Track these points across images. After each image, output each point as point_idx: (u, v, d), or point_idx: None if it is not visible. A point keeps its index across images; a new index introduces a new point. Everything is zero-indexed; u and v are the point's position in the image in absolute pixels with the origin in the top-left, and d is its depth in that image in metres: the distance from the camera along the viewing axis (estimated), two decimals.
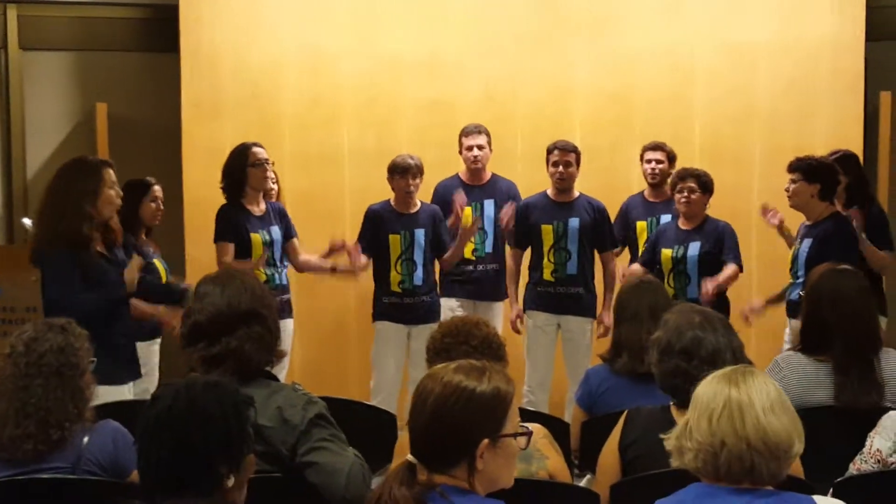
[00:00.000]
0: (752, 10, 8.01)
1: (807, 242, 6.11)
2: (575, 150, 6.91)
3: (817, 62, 7.93)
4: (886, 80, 8.08)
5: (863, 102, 7.89)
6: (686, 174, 6.68)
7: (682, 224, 6.72)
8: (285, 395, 3.36)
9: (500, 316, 7.05)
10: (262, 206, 6.46)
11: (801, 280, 6.04)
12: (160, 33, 8.23)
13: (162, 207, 6.38)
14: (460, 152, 7.06)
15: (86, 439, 3.52)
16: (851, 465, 3.66)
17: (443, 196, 7.05)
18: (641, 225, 7.11)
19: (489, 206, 6.99)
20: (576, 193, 6.99)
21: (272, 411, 3.30)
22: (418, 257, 6.77)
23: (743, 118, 7.99)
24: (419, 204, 6.90)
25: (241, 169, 6.32)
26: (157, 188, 6.38)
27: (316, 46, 7.98)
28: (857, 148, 7.72)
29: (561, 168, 6.86)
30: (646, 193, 7.19)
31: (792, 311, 6.15)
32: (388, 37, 8.00)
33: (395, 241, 6.77)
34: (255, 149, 6.38)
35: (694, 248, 6.60)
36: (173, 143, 7.73)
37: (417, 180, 6.80)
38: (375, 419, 4.48)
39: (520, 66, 8.01)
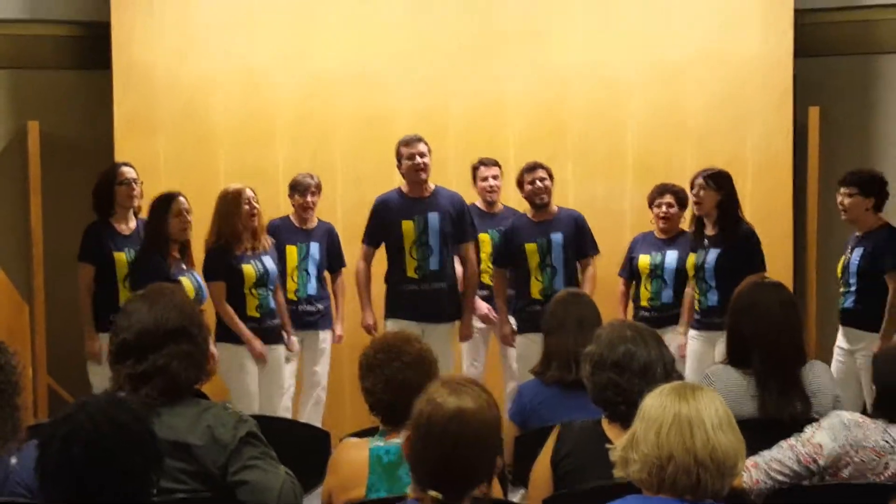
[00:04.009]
0: (680, 26, 8.06)
1: (858, 252, 6.51)
2: (497, 164, 7.41)
3: (747, 78, 7.97)
4: (815, 95, 8.15)
5: (792, 118, 7.95)
6: (665, 190, 7.13)
7: (659, 234, 7.15)
8: (215, 414, 3.32)
9: (448, 339, 6.99)
10: (132, 224, 6.71)
11: (853, 288, 6.52)
12: (92, 50, 8.12)
13: (189, 219, 6.42)
14: (399, 164, 6.93)
15: (13, 460, 3.42)
16: (783, 442, 3.67)
17: (382, 211, 6.98)
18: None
19: (433, 218, 6.92)
20: (500, 206, 7.47)
21: (202, 430, 3.25)
22: (311, 269, 7.07)
23: (674, 133, 8.02)
24: (316, 220, 7.21)
25: (109, 187, 6.63)
26: (182, 199, 6.42)
27: (249, 62, 7.93)
28: (786, 162, 7.93)
29: (489, 181, 7.37)
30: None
31: (844, 319, 6.58)
32: (321, 52, 7.98)
33: (291, 251, 7.04)
34: (123, 168, 6.73)
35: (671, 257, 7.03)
36: (106, 161, 7.55)
37: (316, 197, 7.14)
38: (307, 437, 4.48)
39: (453, 79, 8.02)
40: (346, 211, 7.80)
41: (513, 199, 7.49)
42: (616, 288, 7.32)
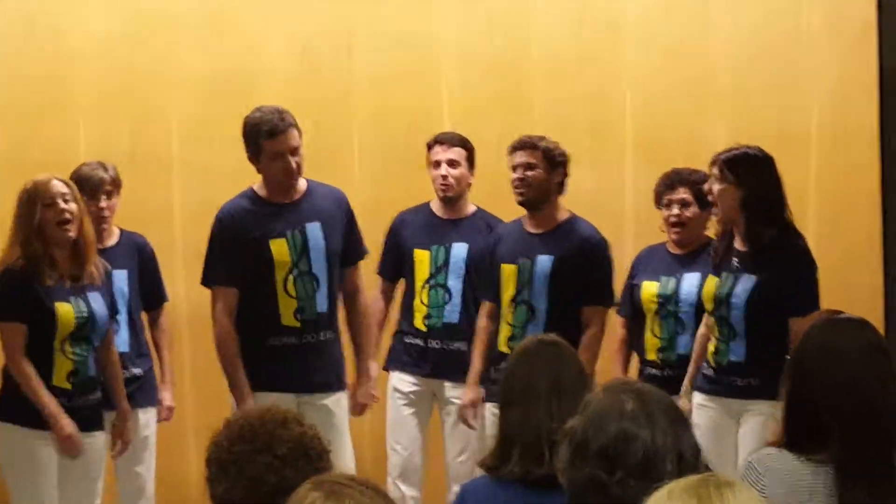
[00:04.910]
0: None
1: None
2: (461, 144, 7.37)
3: (803, 7, 8.11)
4: None
5: (877, 67, 8.08)
6: (677, 180, 7.10)
7: (672, 248, 7.16)
8: None
9: (345, 416, 7.00)
10: None
11: None
12: None
13: None
14: (255, 160, 6.84)
15: None
16: None
17: (232, 227, 6.88)
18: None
19: (314, 230, 6.86)
20: (471, 208, 7.47)
21: None
22: (119, 310, 6.94)
23: (695, 95, 8.13)
24: (117, 234, 7.10)
25: None
26: None
27: None
28: (869, 134, 8.11)
29: (443, 168, 7.32)
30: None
31: None
32: None
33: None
34: None
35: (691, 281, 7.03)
36: None
37: (114, 200, 7.01)
38: None
39: (356, 20, 8.08)
40: (187, 218, 7.89)
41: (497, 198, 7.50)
42: (614, 331, 7.30)
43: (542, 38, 8.15)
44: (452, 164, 7.33)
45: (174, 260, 7.62)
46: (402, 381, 7.39)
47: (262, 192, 6.90)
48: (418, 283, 7.40)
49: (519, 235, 7.12)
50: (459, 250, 7.32)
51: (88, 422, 6.61)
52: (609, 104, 8.17)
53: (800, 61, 8.16)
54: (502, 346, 6.99)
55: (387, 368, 7.44)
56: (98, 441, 6.70)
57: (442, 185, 7.36)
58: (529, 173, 6.98)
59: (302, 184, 6.91)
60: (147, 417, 7.09)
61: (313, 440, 3.67)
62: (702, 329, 6.87)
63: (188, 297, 7.54)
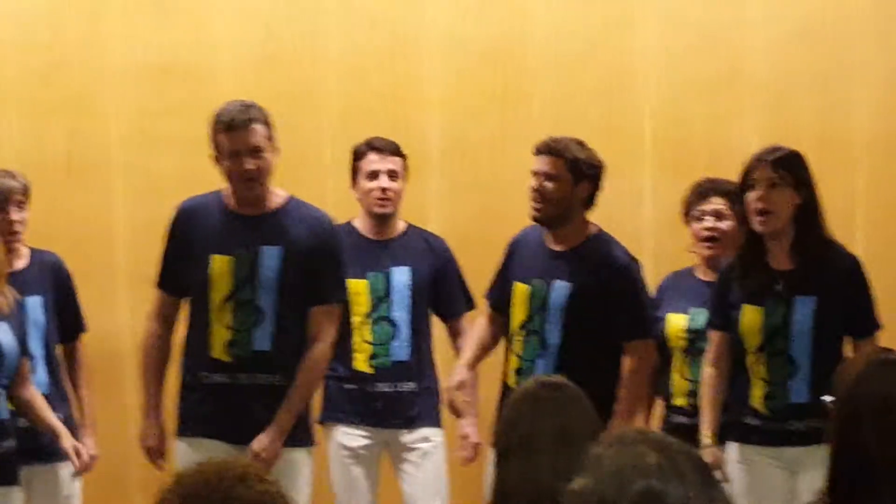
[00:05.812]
0: None
1: None
2: (399, 153, 7.18)
3: None
4: None
5: None
6: (710, 190, 6.83)
7: (702, 273, 6.94)
8: None
9: (295, 472, 6.59)
10: None
11: None
12: None
13: None
14: (217, 158, 6.46)
15: None
16: None
17: (186, 228, 6.60)
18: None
19: (270, 255, 6.48)
20: (402, 225, 7.22)
21: None
22: (34, 345, 6.59)
23: (722, 89, 7.97)
24: (27, 254, 6.85)
25: None
26: None
27: None
28: None
29: (383, 180, 7.08)
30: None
31: None
32: None
33: None
34: None
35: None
36: None
37: (24, 212, 6.72)
38: None
39: (326, 1, 8.01)
40: (131, 234, 7.75)
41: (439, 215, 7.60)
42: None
43: (544, 21, 7.98)
44: (392, 175, 7.13)
45: (117, 283, 7.62)
46: (348, 436, 7.07)
47: (227, 198, 6.58)
48: (356, 319, 7.10)
49: (537, 250, 6.78)
50: (401, 276, 7.15)
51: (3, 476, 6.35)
52: (623, 100, 7.99)
53: (845, 51, 7.99)
54: (510, 380, 6.71)
55: (323, 422, 7.11)
56: (12, 499, 6.38)
57: (380, 199, 7.10)
58: (548, 185, 6.55)
59: (278, 197, 6.55)
60: (69, 470, 6.70)
61: (276, 499, 3.42)
62: (707, 370, 6.55)
63: (132, 328, 7.27)
